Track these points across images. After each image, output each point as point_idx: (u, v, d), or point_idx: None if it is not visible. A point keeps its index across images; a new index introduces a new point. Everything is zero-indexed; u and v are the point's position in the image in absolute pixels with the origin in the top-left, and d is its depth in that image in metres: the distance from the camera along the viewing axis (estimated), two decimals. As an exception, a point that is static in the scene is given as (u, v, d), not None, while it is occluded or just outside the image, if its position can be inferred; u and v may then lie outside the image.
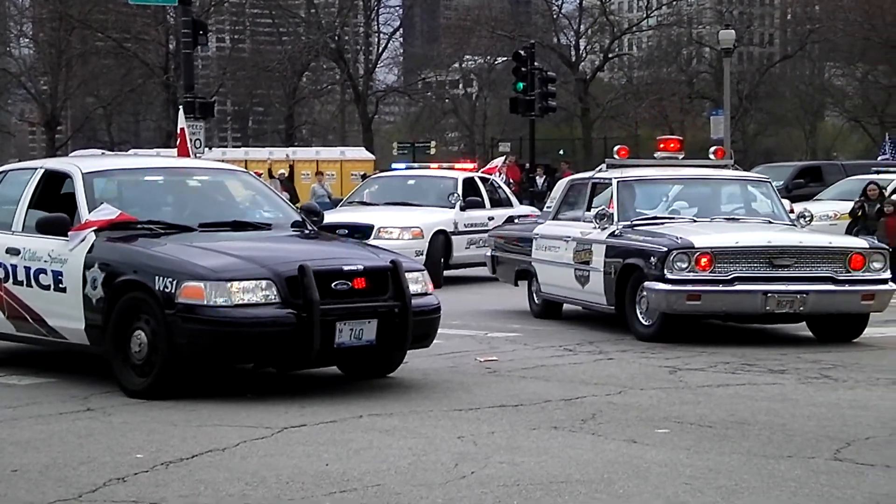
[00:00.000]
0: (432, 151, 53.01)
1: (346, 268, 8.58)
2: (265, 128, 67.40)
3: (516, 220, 20.30)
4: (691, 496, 5.97)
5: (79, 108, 56.52)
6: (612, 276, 11.80)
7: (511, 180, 31.83)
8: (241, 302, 8.18)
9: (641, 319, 11.50)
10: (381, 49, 57.34)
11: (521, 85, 29.78)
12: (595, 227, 12.24)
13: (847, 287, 11.14)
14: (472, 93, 65.02)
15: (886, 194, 19.70)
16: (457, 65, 62.93)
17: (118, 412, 8.06)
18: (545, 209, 14.36)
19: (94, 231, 8.97)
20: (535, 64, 30.61)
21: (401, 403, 8.35)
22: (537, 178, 32.50)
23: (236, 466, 6.57)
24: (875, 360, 10.31)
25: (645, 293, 11.29)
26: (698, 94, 57.94)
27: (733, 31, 41.45)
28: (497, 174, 28.14)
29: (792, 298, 11.01)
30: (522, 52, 30.52)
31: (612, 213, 12.15)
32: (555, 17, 57.33)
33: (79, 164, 9.85)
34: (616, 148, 13.63)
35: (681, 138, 14.65)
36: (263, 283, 8.26)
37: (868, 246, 11.53)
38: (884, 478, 6.30)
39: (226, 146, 61.05)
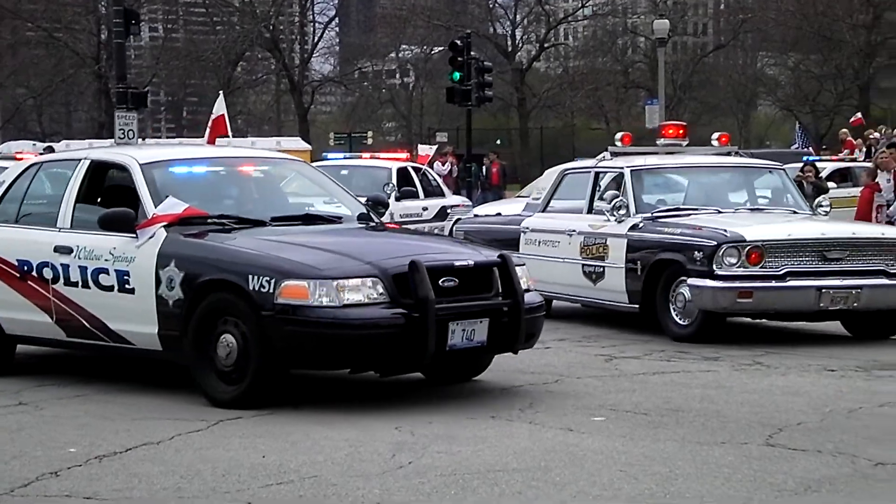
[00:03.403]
0: (369, 142, 52.85)
1: (457, 263, 7.93)
2: (199, 118, 66.63)
3: (449, 210, 20.27)
4: (626, 483, 6.01)
5: (9, 98, 55.62)
6: (639, 273, 10.94)
7: (454, 167, 31.90)
8: (348, 302, 7.50)
9: (677, 319, 10.66)
10: (316, 39, 57.09)
11: (457, 75, 29.77)
12: (608, 220, 11.38)
13: None
14: (409, 83, 64.97)
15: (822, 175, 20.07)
16: (393, 55, 62.85)
17: (50, 406, 7.96)
18: (531, 201, 13.27)
19: (164, 227, 8.25)
20: (472, 54, 30.60)
21: (338, 394, 8.32)
22: (483, 167, 32.64)
23: (171, 459, 6.52)
24: (806, 347, 10.45)
25: (685, 291, 10.50)
26: (633, 84, 58.33)
27: (667, 20, 41.80)
28: (443, 164, 28.10)
29: (846, 294, 10.32)
30: (459, 42, 30.50)
31: (629, 205, 11.34)
32: (491, 6, 57.45)
33: (133, 154, 9.13)
34: (619, 135, 13.04)
35: (685, 124, 13.88)
36: (369, 280, 7.58)
37: None
38: (815, 462, 6.38)
39: (159, 136, 60.46)
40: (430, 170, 23.76)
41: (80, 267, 8.56)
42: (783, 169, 12.64)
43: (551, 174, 22.31)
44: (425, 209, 18.43)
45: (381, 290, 7.59)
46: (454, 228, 15.17)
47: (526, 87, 54.74)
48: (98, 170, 9.15)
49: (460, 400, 8.09)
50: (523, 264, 8.45)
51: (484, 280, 8.03)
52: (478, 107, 31.39)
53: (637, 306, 11.10)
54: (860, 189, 17.25)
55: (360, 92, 61.77)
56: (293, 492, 5.92)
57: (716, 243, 10.29)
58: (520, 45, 57.34)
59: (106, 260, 8.42)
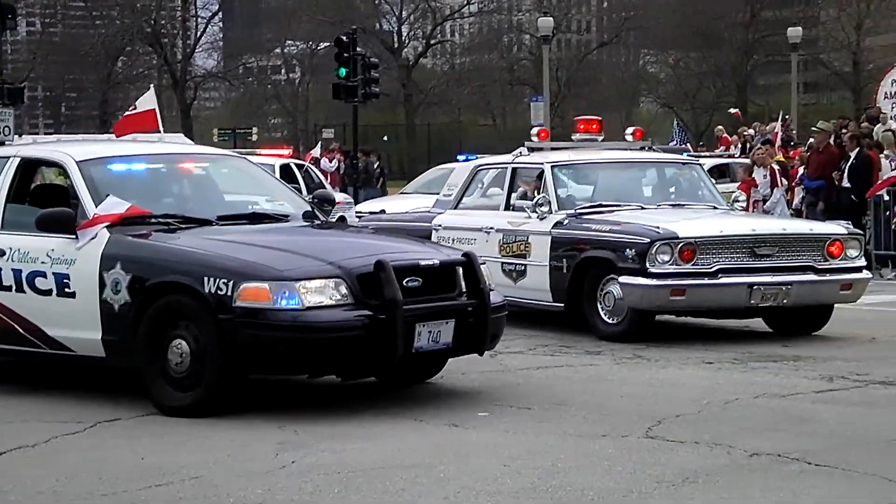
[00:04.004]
0: (254, 138, 52.36)
1: (422, 262, 7.68)
2: (79, 114, 65.43)
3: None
4: (510, 477, 6.06)
5: None
6: (564, 271, 10.75)
7: (342, 164, 31.78)
8: (311, 304, 7.21)
9: (605, 317, 10.51)
10: (199, 34, 56.35)
11: (343, 71, 29.62)
12: (529, 217, 11.22)
13: (828, 276, 10.48)
14: (295, 78, 64.52)
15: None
16: (279, 50, 62.35)
17: (-79, 411, 7.72)
18: (442, 198, 12.80)
19: (107, 227, 7.86)
20: (358, 50, 30.48)
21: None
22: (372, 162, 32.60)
23: (48, 462, 6.38)
24: (685, 341, 10.64)
25: (614, 289, 10.35)
26: (519, 81, 58.76)
27: (552, 18, 42.21)
28: (330, 161, 27.94)
29: (776, 291, 10.25)
30: (345, 38, 30.36)
31: (551, 201, 11.15)
32: (377, 2, 57.35)
33: (67, 151, 8.65)
34: (536, 130, 12.82)
35: (600, 119, 13.73)
36: (332, 281, 7.29)
37: (846, 232, 10.92)
38: (692, 454, 6.51)
39: (37, 133, 59.02)
40: (312, 167, 23.71)
41: (13, 270, 8.10)
42: (700, 164, 12.62)
43: (435, 172, 22.47)
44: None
45: (344, 291, 7.31)
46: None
47: (413, 83, 54.82)
48: (28, 168, 8.76)
49: (345, 398, 8.06)
50: (484, 262, 8.22)
51: (447, 280, 7.81)
52: (364, 103, 31.30)
53: (562, 305, 10.92)
54: (737, 185, 17.66)
55: (244, 87, 61.14)
56: (173, 493, 5.83)
57: (649, 240, 10.15)
58: (406, 41, 57.40)
59: (43, 262, 7.99)
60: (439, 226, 12.26)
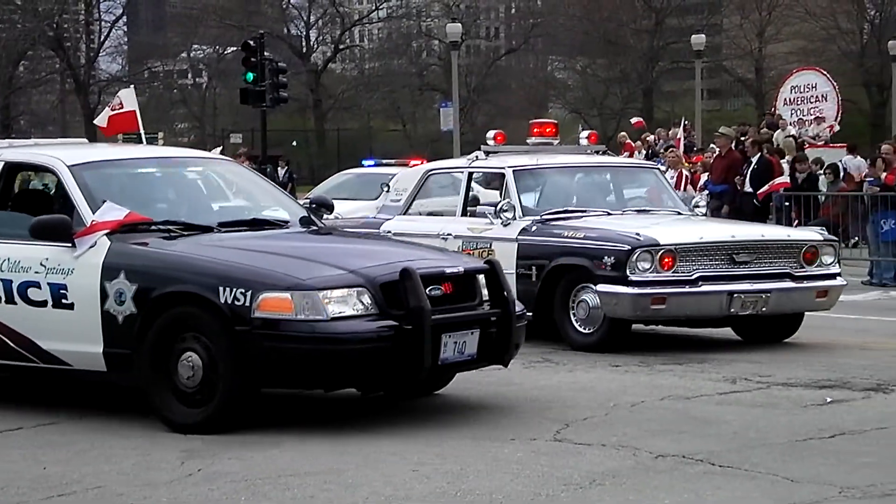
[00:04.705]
0: (160, 143, 51.66)
1: (448, 270, 7.40)
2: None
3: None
4: (419, 482, 6.06)
5: None
6: (533, 279, 10.35)
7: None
8: (335, 315, 6.90)
9: (578, 327, 10.20)
10: (102, 38, 55.54)
11: (250, 75, 29.38)
12: (491, 223, 10.86)
13: (804, 284, 10.28)
14: (202, 83, 63.86)
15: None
16: (185, 54, 61.66)
17: None
18: (389, 203, 12.30)
19: (106, 235, 7.45)
20: (266, 54, 30.25)
21: (124, 403, 8.08)
22: (279, 168, 32.37)
23: (-55, 476, 6.22)
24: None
25: (589, 297, 10.05)
26: (429, 86, 58.83)
27: (460, 24, 42.30)
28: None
29: (756, 298, 10.03)
30: (252, 43, 30.10)
31: (515, 207, 10.77)
32: (284, 7, 57.01)
33: (56, 155, 8.17)
34: (492, 133, 12.26)
35: (556, 122, 13.34)
36: (355, 290, 6.97)
37: (822, 238, 10.70)
38: (600, 456, 6.57)
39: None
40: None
41: (2, 280, 7.66)
42: (659, 168, 12.38)
43: (340, 178, 22.38)
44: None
45: (367, 301, 6.99)
46: None
47: (322, 88, 54.60)
48: (11, 173, 8.34)
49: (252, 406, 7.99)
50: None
51: (469, 288, 7.50)
52: (272, 108, 31.09)
53: (530, 314, 10.40)
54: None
55: (150, 92, 60.32)
56: (75, 503, 5.74)
57: (629, 247, 9.82)
58: (315, 46, 57.12)
59: (36, 272, 7.55)
60: (388, 232, 11.68)
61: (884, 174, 16.79)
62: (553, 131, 12.46)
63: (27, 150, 8.99)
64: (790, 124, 25.54)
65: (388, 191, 12.69)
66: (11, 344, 7.68)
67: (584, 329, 10.23)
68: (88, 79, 52.98)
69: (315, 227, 8.36)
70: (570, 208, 11.02)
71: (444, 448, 6.73)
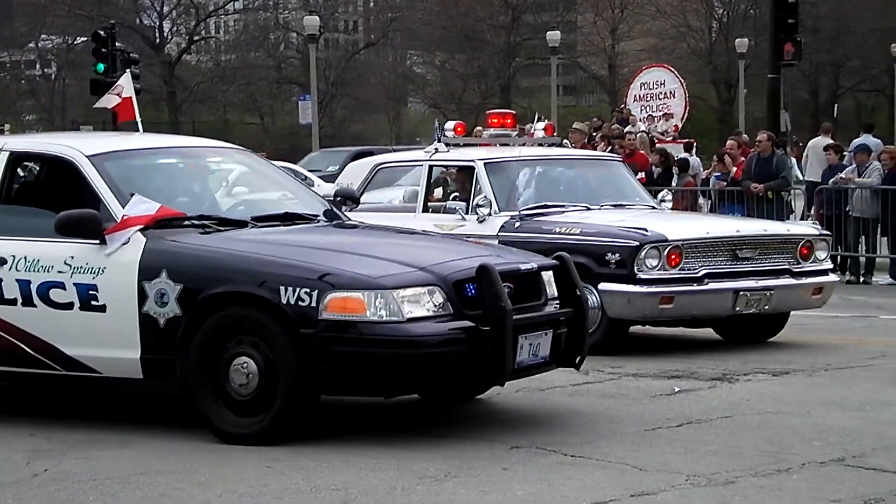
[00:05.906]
0: (6, 134, 50.03)
1: (522, 267, 6.96)
2: None
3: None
4: (273, 478, 6.01)
5: None
6: None
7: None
8: (411, 316, 6.41)
9: None
10: (-53, 26, 53.67)
11: (101, 66, 28.72)
12: (462, 219, 10.26)
13: (803, 280, 9.93)
14: (51, 73, 62.16)
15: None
16: (33, 44, 59.94)
17: None
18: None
19: (140, 230, 6.88)
20: (117, 45, 29.63)
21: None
22: None
23: None
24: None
25: (590, 298, 9.00)
26: (287, 80, 58.39)
27: (318, 17, 42.09)
28: None
29: (760, 296, 9.64)
30: (102, 33, 29.44)
31: (491, 202, 10.19)
32: (136, -3, 55.89)
33: (72, 144, 7.49)
34: (452, 124, 11.60)
35: (515, 113, 12.51)
36: (427, 289, 6.47)
37: (817, 233, 10.44)
38: (456, 448, 6.59)
39: None
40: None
41: (18, 281, 7.01)
42: (623, 161, 11.99)
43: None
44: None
45: (440, 300, 6.49)
46: None
47: (176, 80, 53.65)
48: (19, 164, 7.64)
49: (100, 405, 7.81)
50: None
51: (534, 286, 7.05)
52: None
53: None
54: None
55: (-4, 83, 58.56)
56: (-86, 509, 5.53)
57: (637, 244, 9.31)
58: (169, 37, 56.11)
59: (59, 272, 6.92)
60: None
61: (734, 169, 17.32)
62: (512, 122, 11.86)
63: (32, 139, 8.24)
64: (640, 120, 26.09)
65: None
66: (29, 350, 7.05)
67: None
68: (-70, 68, 51.12)
69: (342, 221, 7.84)
70: (548, 203, 10.43)
71: (299, 443, 6.67)
